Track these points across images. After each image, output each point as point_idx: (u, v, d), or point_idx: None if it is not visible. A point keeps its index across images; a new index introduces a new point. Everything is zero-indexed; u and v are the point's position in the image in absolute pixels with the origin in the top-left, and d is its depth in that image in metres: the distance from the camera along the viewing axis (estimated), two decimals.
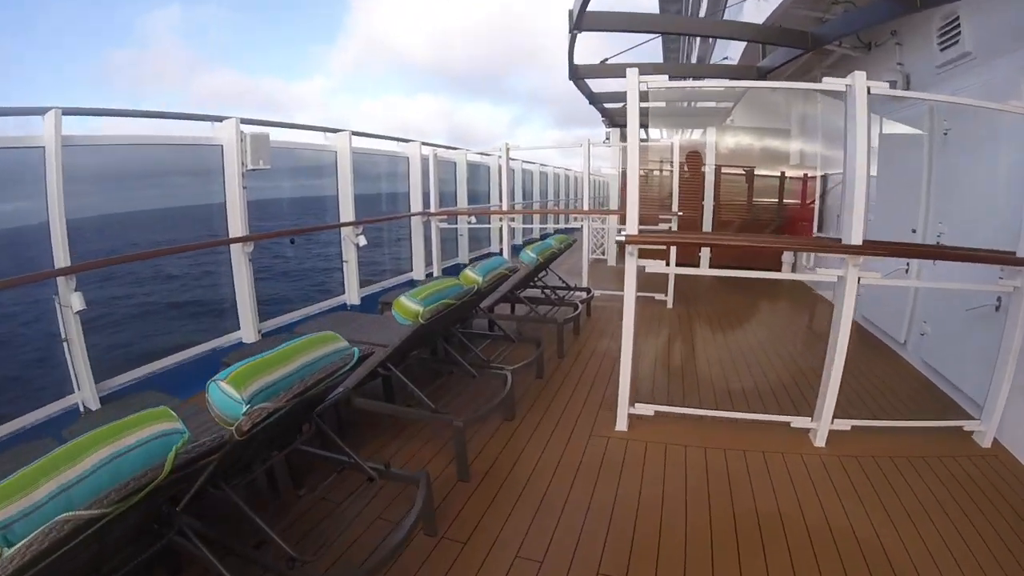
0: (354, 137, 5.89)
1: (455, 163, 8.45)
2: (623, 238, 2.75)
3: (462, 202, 8.53)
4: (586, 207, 6.18)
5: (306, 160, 5.99)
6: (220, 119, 4.40)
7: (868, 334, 4.96)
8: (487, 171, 9.99)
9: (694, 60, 15.59)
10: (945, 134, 3.97)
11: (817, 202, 6.96)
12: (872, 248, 2.90)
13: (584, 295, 5.48)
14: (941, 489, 2.55)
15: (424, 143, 6.95)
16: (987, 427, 3.00)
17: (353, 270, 5.79)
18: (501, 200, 6.56)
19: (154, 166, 4.42)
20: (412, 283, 6.96)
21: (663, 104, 8.83)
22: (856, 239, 2.83)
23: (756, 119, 8.28)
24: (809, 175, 7.36)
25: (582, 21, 4.59)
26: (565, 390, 3.68)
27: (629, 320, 3.04)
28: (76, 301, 3.14)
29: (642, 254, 2.91)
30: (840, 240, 2.91)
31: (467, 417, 2.66)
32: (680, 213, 5.51)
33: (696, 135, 9.99)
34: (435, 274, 6.99)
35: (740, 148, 8.61)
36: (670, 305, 5.92)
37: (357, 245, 5.76)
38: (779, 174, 8.02)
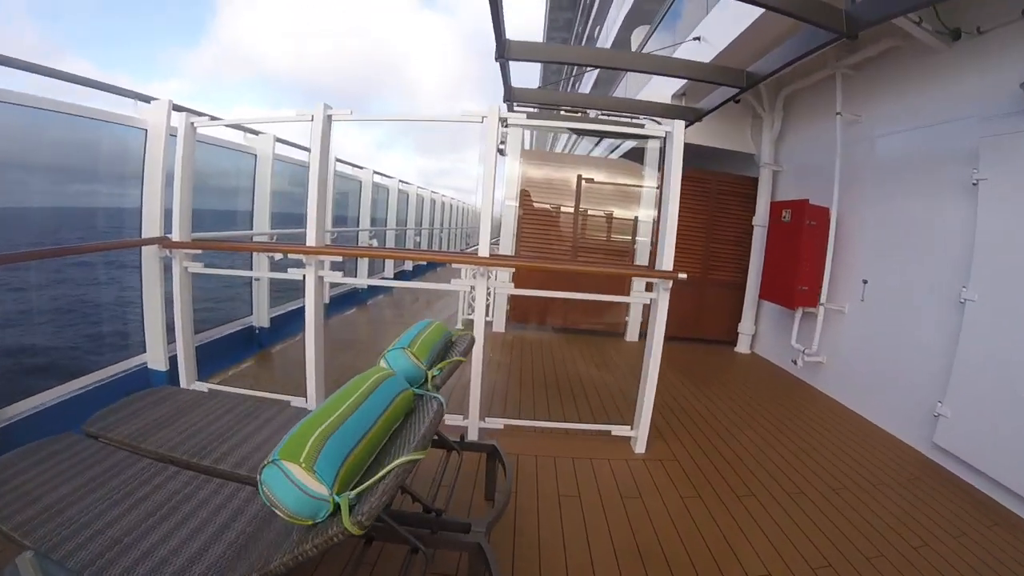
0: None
1: (254, 158, 4.99)
2: None
3: (263, 226, 5.05)
4: (485, 249, 3.10)
5: None
6: None
7: None
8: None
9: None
10: None
11: (830, 256, 4.68)
12: None
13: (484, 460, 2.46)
14: None
15: (179, 107, 3.50)
16: None
17: None
18: (307, 223, 3.24)
19: None
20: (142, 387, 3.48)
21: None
22: None
23: (710, 138, 5.99)
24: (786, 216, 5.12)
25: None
26: None
27: None
28: None
29: None
30: None
31: None
32: (683, 276, 2.74)
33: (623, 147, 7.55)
34: (182, 367, 3.49)
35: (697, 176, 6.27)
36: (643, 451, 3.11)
37: None
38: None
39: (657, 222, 5.22)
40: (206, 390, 3.55)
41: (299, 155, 5.55)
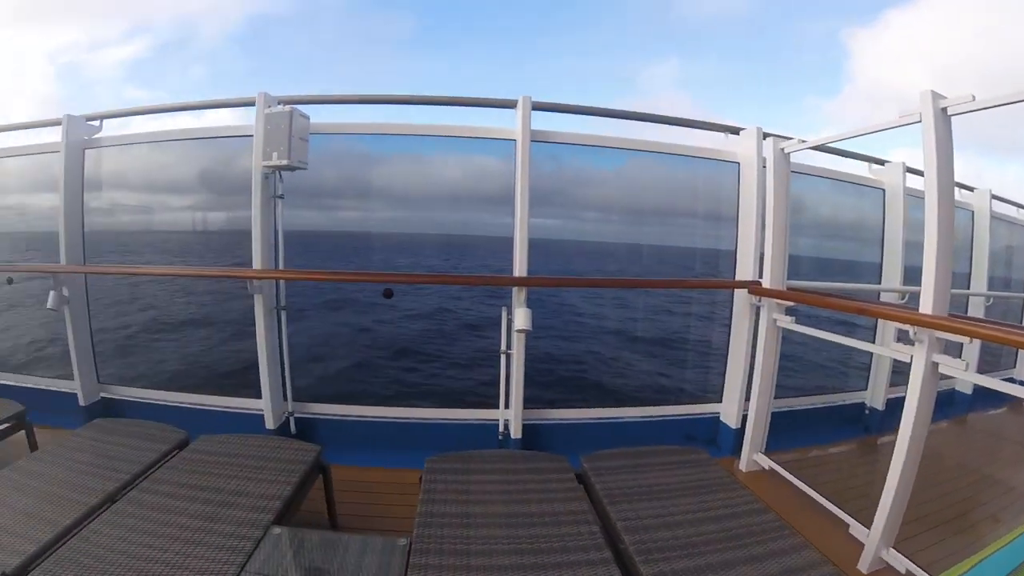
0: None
1: (882, 193, 3.96)
2: None
3: (894, 280, 3.91)
4: None
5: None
6: None
7: None
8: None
9: None
10: None
11: None
12: None
13: None
14: None
15: (768, 133, 3.10)
16: None
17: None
18: (922, 277, 2.04)
19: None
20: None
21: None
22: None
23: None
24: None
25: None
26: None
27: None
28: None
29: None
30: None
31: None
32: None
33: None
34: (749, 431, 2.98)
35: None
36: None
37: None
38: None
39: None
40: (765, 467, 2.93)
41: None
